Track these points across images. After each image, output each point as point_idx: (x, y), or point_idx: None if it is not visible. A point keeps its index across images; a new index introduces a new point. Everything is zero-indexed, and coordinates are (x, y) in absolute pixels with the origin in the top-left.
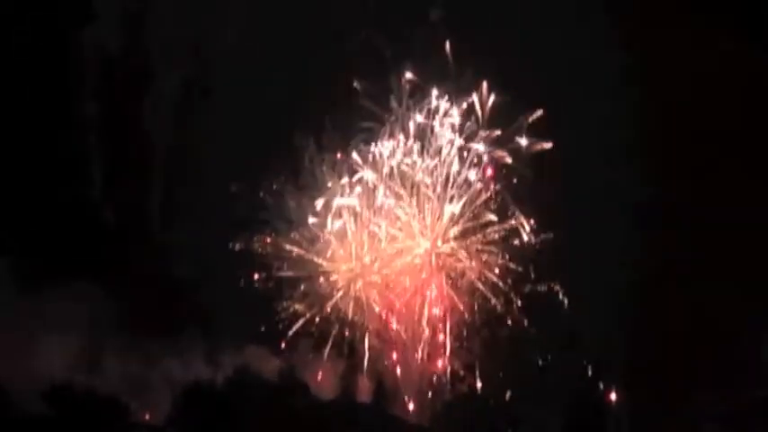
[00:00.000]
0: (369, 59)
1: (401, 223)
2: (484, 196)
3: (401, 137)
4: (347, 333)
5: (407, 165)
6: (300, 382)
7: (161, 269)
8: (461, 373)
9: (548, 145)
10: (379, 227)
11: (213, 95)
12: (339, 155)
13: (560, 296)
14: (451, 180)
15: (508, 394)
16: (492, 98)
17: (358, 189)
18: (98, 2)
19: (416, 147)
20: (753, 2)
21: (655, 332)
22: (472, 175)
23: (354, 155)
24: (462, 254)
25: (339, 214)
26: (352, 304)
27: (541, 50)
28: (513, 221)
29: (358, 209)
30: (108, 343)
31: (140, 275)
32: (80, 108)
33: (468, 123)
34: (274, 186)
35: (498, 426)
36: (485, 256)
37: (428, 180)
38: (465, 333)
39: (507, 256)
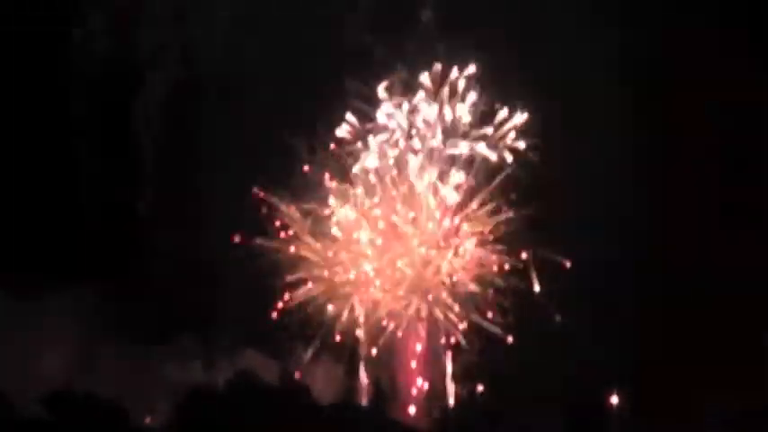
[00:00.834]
0: (359, 60)
1: (396, 228)
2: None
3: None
4: (347, 337)
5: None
6: (300, 386)
7: (159, 272)
8: (461, 377)
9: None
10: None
11: (204, 97)
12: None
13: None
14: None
15: (508, 398)
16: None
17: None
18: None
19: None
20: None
21: (658, 336)
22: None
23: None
24: (456, 261)
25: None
26: (351, 308)
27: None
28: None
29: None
30: (108, 347)
31: (137, 279)
32: (69, 111)
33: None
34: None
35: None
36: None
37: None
38: (463, 338)
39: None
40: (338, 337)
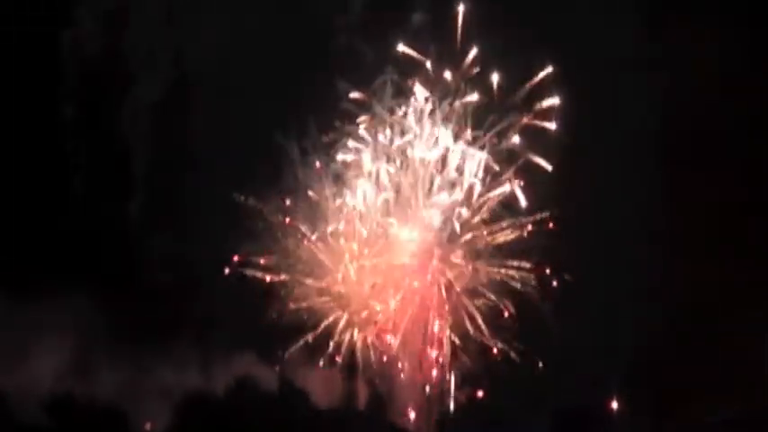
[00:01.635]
0: (351, 62)
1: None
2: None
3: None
4: (346, 342)
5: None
6: (299, 391)
7: (156, 278)
8: (461, 382)
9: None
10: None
11: (195, 100)
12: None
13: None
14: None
15: (507, 404)
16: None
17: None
18: (78, 6)
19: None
20: None
21: (657, 340)
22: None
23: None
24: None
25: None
26: (349, 314)
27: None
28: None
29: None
30: (107, 353)
31: (136, 285)
32: (60, 115)
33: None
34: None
35: None
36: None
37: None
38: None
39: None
40: (337, 342)
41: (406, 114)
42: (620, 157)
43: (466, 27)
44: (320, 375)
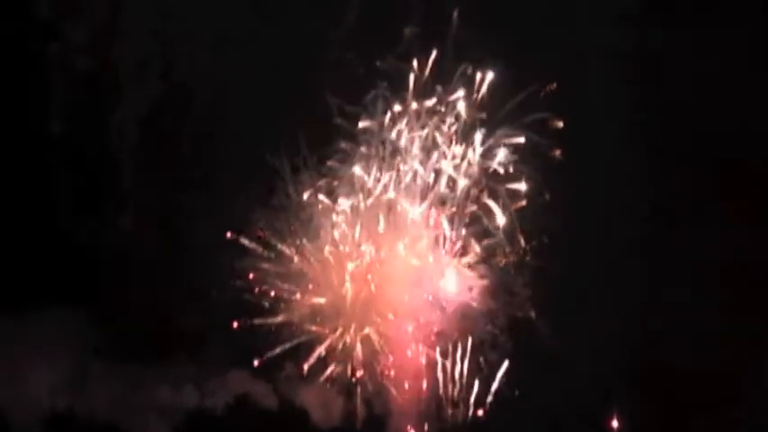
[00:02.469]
0: (343, 77)
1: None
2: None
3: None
4: (345, 359)
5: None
6: (298, 409)
7: (153, 293)
8: (458, 398)
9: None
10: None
11: (185, 113)
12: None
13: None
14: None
15: (506, 420)
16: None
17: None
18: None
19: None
20: None
21: (656, 355)
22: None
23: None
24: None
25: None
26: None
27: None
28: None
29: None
30: (104, 370)
31: (131, 300)
32: (50, 128)
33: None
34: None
35: None
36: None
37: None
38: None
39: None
40: (337, 359)
41: (399, 134)
42: (616, 170)
43: (457, 43)
44: (319, 393)
